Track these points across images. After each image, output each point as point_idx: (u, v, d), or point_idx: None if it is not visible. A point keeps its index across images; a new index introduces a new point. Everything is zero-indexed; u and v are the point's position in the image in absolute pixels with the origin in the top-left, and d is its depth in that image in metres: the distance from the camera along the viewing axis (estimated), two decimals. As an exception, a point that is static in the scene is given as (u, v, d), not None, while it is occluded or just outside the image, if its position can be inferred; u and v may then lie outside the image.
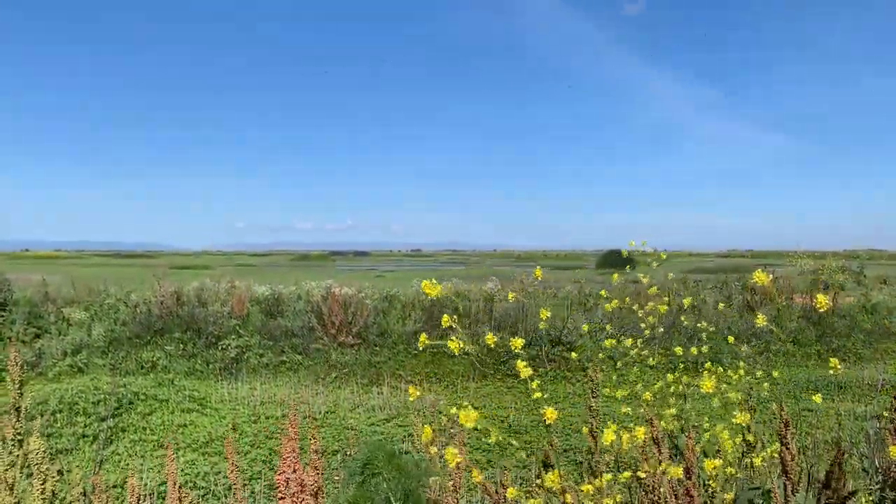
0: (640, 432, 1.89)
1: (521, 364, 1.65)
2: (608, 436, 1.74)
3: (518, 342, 1.63)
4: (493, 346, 1.72)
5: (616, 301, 2.95)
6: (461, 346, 1.64)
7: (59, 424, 6.97)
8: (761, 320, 1.93)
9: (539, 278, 2.06)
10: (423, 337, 1.71)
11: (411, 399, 1.69)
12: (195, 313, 12.58)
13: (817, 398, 2.20)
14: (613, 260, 50.71)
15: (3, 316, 12.10)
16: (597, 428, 1.72)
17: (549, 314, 1.86)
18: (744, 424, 2.36)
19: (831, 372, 1.80)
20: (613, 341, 2.78)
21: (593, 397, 1.72)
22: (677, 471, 1.77)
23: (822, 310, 1.73)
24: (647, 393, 2.67)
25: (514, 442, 1.89)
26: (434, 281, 1.69)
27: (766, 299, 14.92)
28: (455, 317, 1.67)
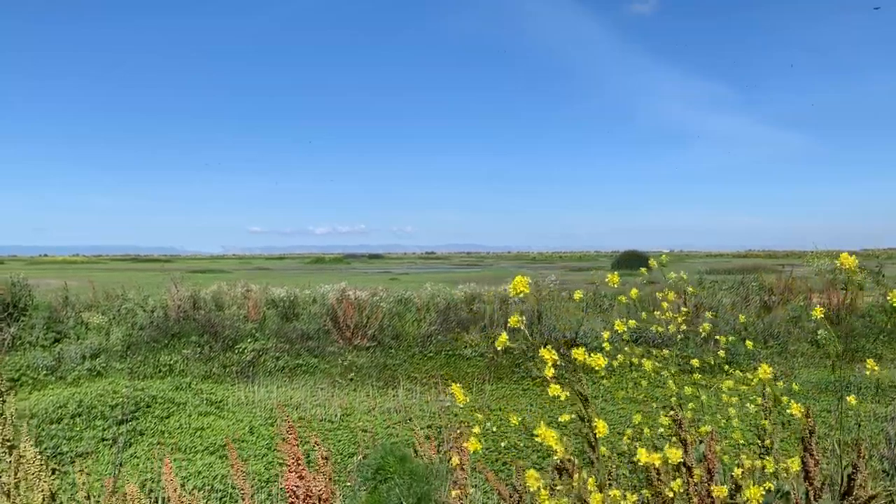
0: (677, 454, 1.87)
1: (549, 372, 1.65)
2: (642, 455, 1.74)
3: (550, 355, 1.64)
4: (528, 345, 1.73)
5: (621, 324, 2.94)
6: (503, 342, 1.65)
7: (78, 428, 7.04)
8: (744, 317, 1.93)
9: (615, 284, 2.07)
10: (503, 337, 1.72)
11: (459, 401, 1.71)
12: (212, 317, 12.67)
13: (795, 386, 2.19)
14: (629, 261, 50.49)
15: (23, 321, 12.24)
16: (593, 437, 1.72)
17: (579, 315, 1.87)
18: (761, 428, 2.34)
19: (832, 362, 1.80)
20: (629, 347, 2.77)
21: (585, 408, 1.73)
22: (676, 454, 1.77)
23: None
24: (664, 418, 2.67)
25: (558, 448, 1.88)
26: (527, 280, 1.70)
27: (783, 299, 14.80)
28: (523, 318, 1.69)
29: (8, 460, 2.23)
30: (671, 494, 1.78)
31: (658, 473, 1.85)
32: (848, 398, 2.16)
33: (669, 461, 1.79)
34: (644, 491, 1.94)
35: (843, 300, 14.01)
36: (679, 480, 1.79)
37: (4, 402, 2.25)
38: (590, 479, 1.70)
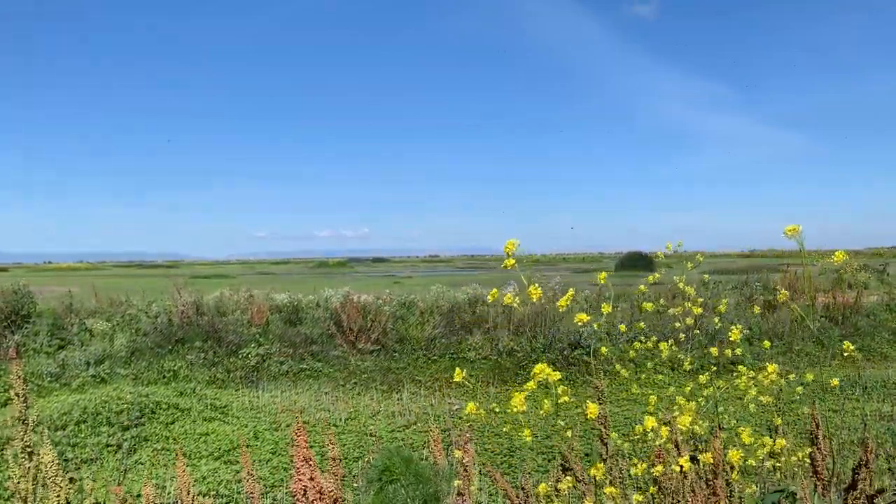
0: (663, 431, 1.86)
1: (547, 369, 1.65)
2: (649, 422, 1.72)
3: (582, 317, 1.64)
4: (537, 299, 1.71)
5: (651, 304, 2.92)
6: (540, 293, 1.64)
7: (83, 434, 7.04)
8: (755, 310, 1.92)
9: (603, 282, 2.07)
10: (493, 291, 1.72)
11: (457, 378, 1.71)
12: (215, 322, 12.67)
13: (809, 376, 2.18)
14: (633, 262, 50.46)
15: (26, 328, 12.26)
16: (605, 434, 1.71)
17: (586, 318, 1.87)
18: (771, 425, 2.33)
19: (846, 355, 1.79)
20: (645, 343, 2.75)
21: (599, 403, 1.72)
22: (685, 461, 1.76)
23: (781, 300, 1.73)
24: (681, 399, 2.65)
25: (561, 422, 1.89)
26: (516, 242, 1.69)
27: (788, 299, 14.75)
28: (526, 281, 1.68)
29: (27, 466, 2.23)
30: (679, 468, 1.77)
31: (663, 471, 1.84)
32: (833, 381, 2.15)
33: (681, 427, 1.77)
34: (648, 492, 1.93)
35: (847, 299, 13.97)
36: (687, 456, 1.78)
37: (28, 407, 2.25)
38: (599, 470, 1.69)
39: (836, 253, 1.82)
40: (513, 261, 1.65)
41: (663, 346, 2.74)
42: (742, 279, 18.58)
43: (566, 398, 1.98)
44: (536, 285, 1.65)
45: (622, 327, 3.35)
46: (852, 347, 1.88)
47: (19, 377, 2.20)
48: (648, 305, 2.92)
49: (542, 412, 1.91)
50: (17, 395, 2.22)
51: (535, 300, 1.66)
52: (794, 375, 2.62)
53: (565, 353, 10.94)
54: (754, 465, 2.23)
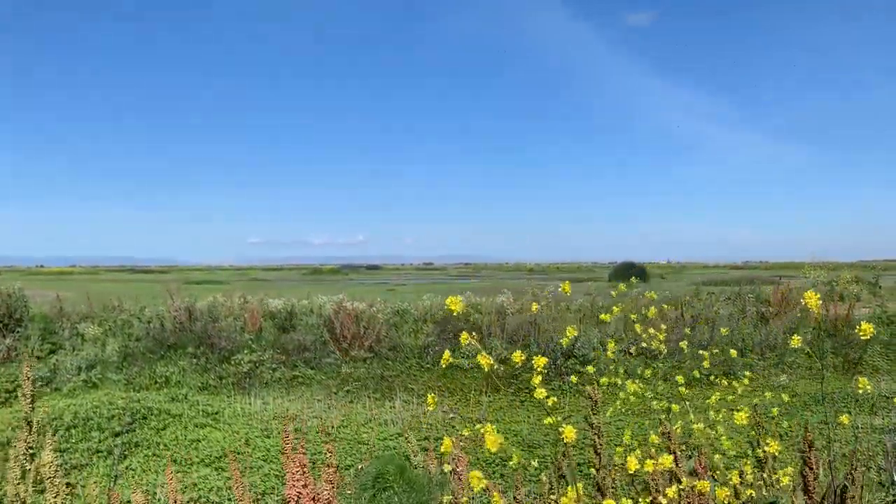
0: (668, 460, 1.87)
1: (536, 380, 1.66)
2: (632, 464, 1.73)
3: (541, 360, 1.65)
4: (519, 362, 1.72)
5: (632, 315, 2.94)
6: (490, 363, 1.66)
7: (73, 440, 7.01)
8: (796, 341, 1.93)
9: (567, 293, 2.09)
10: (446, 354, 1.73)
11: (430, 408, 1.72)
12: (208, 328, 12.63)
13: (845, 419, 2.18)
14: (626, 272, 50.50)
15: (18, 332, 12.20)
16: (599, 444, 1.72)
17: (575, 332, 1.89)
18: (753, 439, 2.34)
19: (860, 391, 1.80)
20: (624, 360, 2.78)
21: (593, 414, 1.74)
22: (705, 484, 1.77)
23: (864, 337, 1.73)
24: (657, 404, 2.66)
25: (534, 463, 1.90)
26: (459, 299, 1.72)
27: (781, 311, 14.81)
28: (474, 333, 1.69)
29: (28, 467, 2.22)
30: (664, 501, 1.78)
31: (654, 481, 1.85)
32: (842, 418, 2.16)
33: (662, 467, 1.78)
34: (641, 500, 1.94)
35: (839, 311, 14.03)
36: (675, 486, 1.79)
37: (33, 408, 2.24)
38: (570, 492, 1.70)
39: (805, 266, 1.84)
40: (461, 306, 1.69)
41: (648, 372, 2.76)
42: (735, 291, 18.63)
43: (550, 420, 1.98)
44: (485, 353, 1.66)
45: (611, 343, 3.37)
46: (869, 385, 1.88)
47: (29, 379, 2.20)
48: (636, 327, 2.94)
49: (503, 455, 1.92)
50: (24, 395, 2.21)
51: (486, 368, 1.68)
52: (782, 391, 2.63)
53: (558, 362, 10.94)
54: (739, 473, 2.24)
